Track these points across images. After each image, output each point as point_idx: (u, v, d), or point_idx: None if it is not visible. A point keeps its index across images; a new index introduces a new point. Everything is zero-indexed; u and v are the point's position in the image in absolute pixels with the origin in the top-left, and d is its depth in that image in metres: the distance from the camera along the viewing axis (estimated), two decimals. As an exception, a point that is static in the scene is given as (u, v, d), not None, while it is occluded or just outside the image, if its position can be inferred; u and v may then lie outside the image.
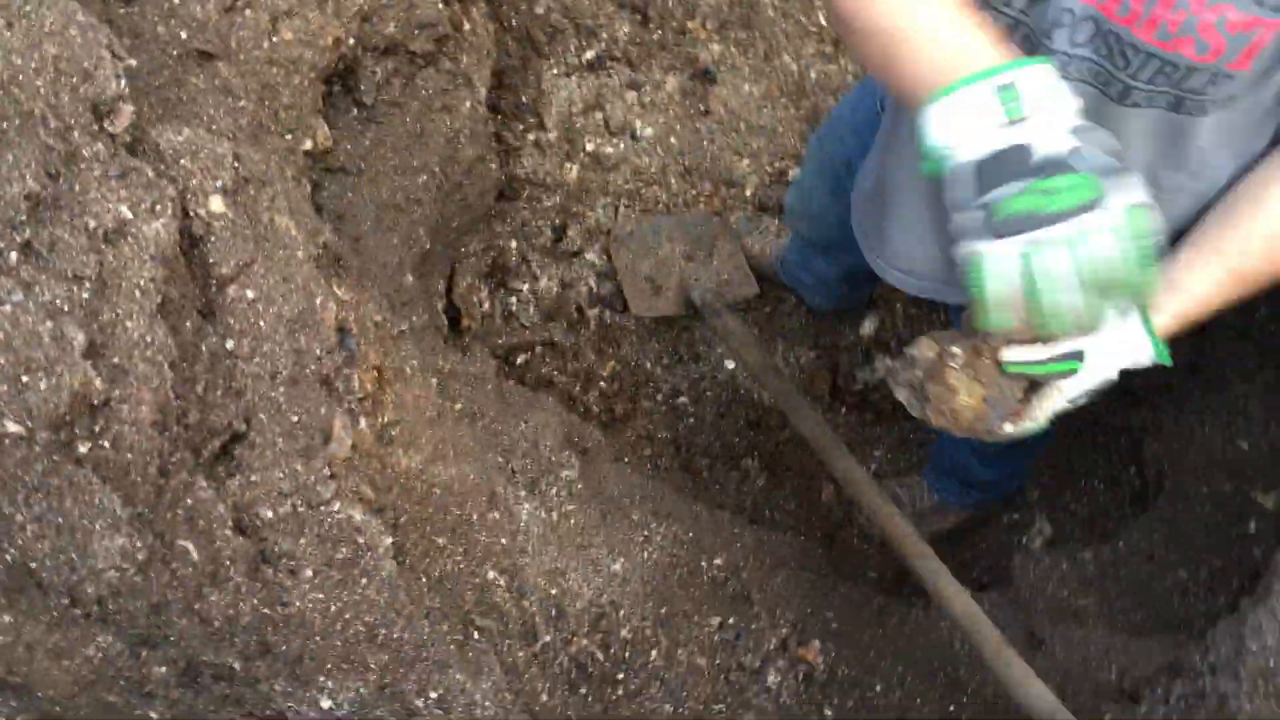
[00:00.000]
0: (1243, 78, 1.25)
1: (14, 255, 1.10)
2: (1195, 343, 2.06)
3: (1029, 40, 1.37)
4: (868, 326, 3.01)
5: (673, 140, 3.02)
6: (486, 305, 2.99)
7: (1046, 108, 1.14)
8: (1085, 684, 1.93)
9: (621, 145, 3.03)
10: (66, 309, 1.14)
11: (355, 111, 2.42)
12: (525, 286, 3.01)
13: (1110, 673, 1.94)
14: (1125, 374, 1.31)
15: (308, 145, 2.12)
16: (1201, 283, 1.31)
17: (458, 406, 2.10)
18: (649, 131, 3.04)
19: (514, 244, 3.06)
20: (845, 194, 2.14)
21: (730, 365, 2.93)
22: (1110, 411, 2.45)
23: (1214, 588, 2.11)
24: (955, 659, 2.07)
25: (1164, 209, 1.45)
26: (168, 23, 1.80)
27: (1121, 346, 1.27)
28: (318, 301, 1.58)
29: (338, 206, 2.32)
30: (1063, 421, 1.38)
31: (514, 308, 2.99)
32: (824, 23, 3.03)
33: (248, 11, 1.95)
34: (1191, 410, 2.30)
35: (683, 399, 2.77)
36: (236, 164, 1.52)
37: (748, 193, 3.05)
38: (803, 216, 2.57)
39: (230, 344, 1.46)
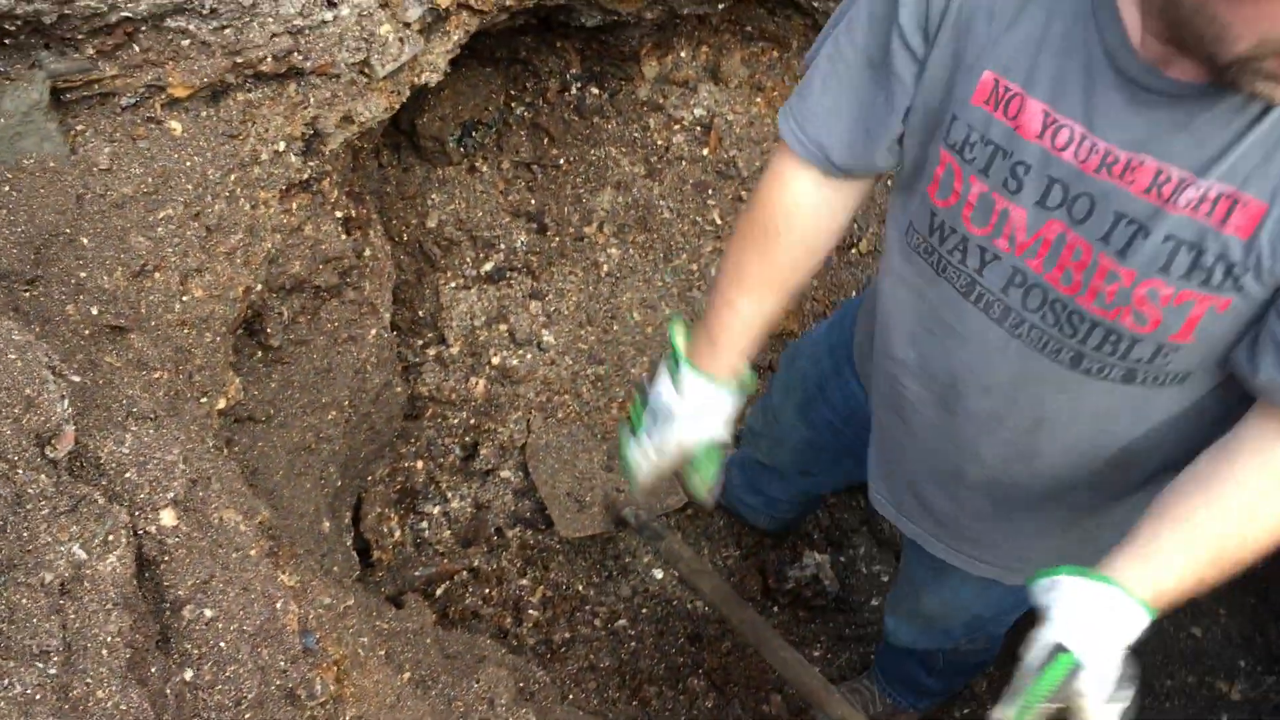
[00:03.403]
0: (1190, 350, 1.26)
1: (-23, 647, 0.94)
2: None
3: (985, 301, 1.38)
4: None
5: (581, 347, 2.96)
6: (397, 534, 2.82)
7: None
8: None
9: (529, 356, 2.95)
10: (39, 697, 0.97)
11: (260, 354, 2.28)
12: (436, 509, 2.86)
13: None
14: None
15: (221, 404, 1.98)
16: (1174, 556, 1.28)
17: (406, 675, 1.94)
18: (555, 341, 2.97)
19: (420, 464, 2.92)
20: (812, 415, 2.10)
21: (659, 574, 2.83)
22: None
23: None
24: None
25: (1127, 472, 1.46)
26: (75, 300, 1.66)
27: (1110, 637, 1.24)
28: (278, 606, 1.43)
29: (250, 459, 2.16)
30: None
31: (425, 533, 2.84)
32: (719, 220, 3.04)
33: (156, 274, 1.82)
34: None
35: (621, 621, 2.65)
36: (184, 466, 1.38)
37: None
38: (764, 437, 2.44)
39: (189, 674, 1.30)
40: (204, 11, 1.75)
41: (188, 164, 1.86)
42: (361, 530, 2.79)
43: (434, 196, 3.02)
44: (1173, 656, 2.18)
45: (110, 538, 1.19)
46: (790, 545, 2.94)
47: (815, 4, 2.96)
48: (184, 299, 1.87)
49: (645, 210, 3.04)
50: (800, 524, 2.92)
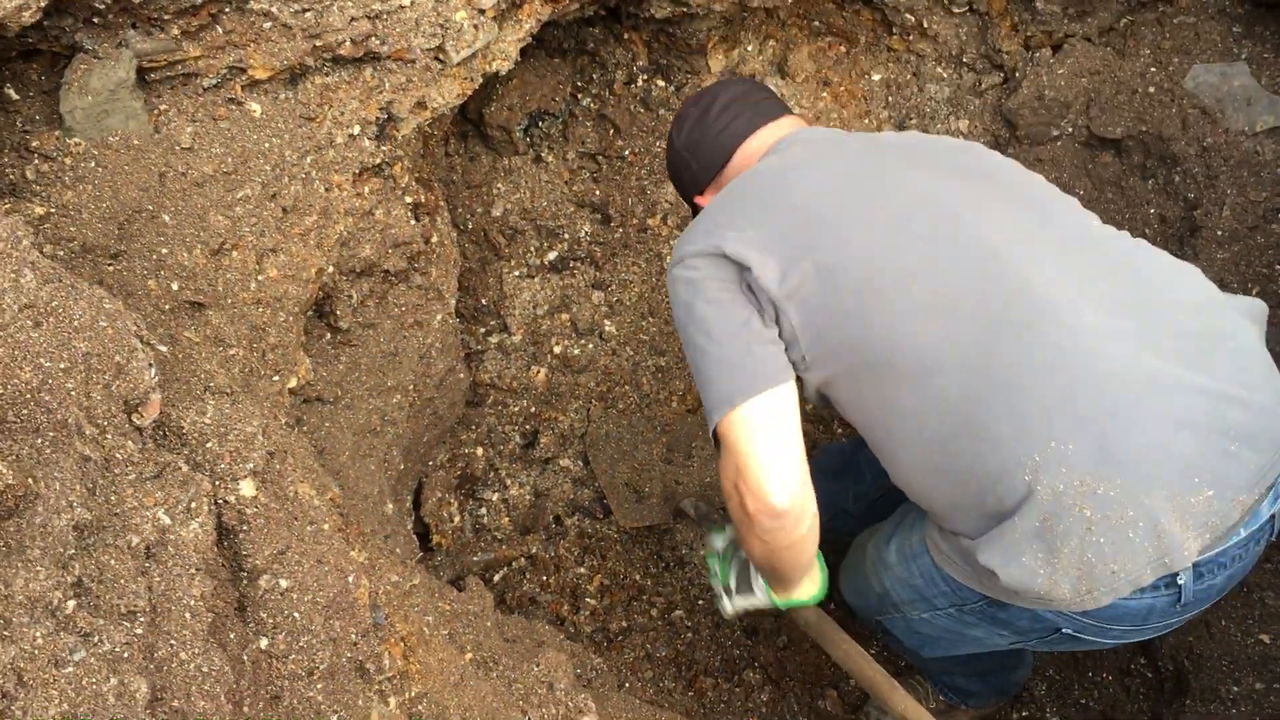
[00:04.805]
0: None
1: (70, 603, 0.96)
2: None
3: None
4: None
5: (642, 338, 2.97)
6: (457, 519, 2.85)
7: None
8: None
9: (591, 345, 2.96)
10: (126, 655, 0.99)
11: (329, 337, 2.31)
12: (495, 496, 2.88)
13: None
14: None
15: (292, 383, 2.00)
16: None
17: (468, 655, 1.95)
18: (617, 331, 2.98)
19: (480, 451, 2.94)
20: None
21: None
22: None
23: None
24: None
25: None
26: (157, 275, 1.69)
27: None
28: (349, 580, 1.45)
29: (317, 440, 2.18)
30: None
31: (485, 519, 2.86)
32: (783, 214, 3.03)
33: (234, 253, 1.85)
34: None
35: (678, 612, 2.65)
36: (263, 439, 1.40)
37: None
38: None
39: (265, 642, 1.32)
40: (287, -6, 1.77)
41: (266, 145, 1.89)
42: (422, 514, 2.82)
43: (500, 185, 3.04)
44: (1239, 663, 2.15)
45: (193, 505, 1.21)
46: (844, 545, 2.92)
47: (885, -1, 2.94)
48: (259, 278, 1.90)
49: (709, 203, 3.04)
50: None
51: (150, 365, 1.21)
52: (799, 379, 1.72)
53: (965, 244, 1.59)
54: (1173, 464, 1.48)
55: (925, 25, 2.94)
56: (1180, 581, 1.56)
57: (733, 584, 2.16)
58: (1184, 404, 1.49)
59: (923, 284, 1.57)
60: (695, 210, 2.10)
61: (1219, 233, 2.47)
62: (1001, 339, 1.53)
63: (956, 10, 2.89)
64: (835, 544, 2.70)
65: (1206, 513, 1.49)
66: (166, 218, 1.72)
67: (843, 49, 3.10)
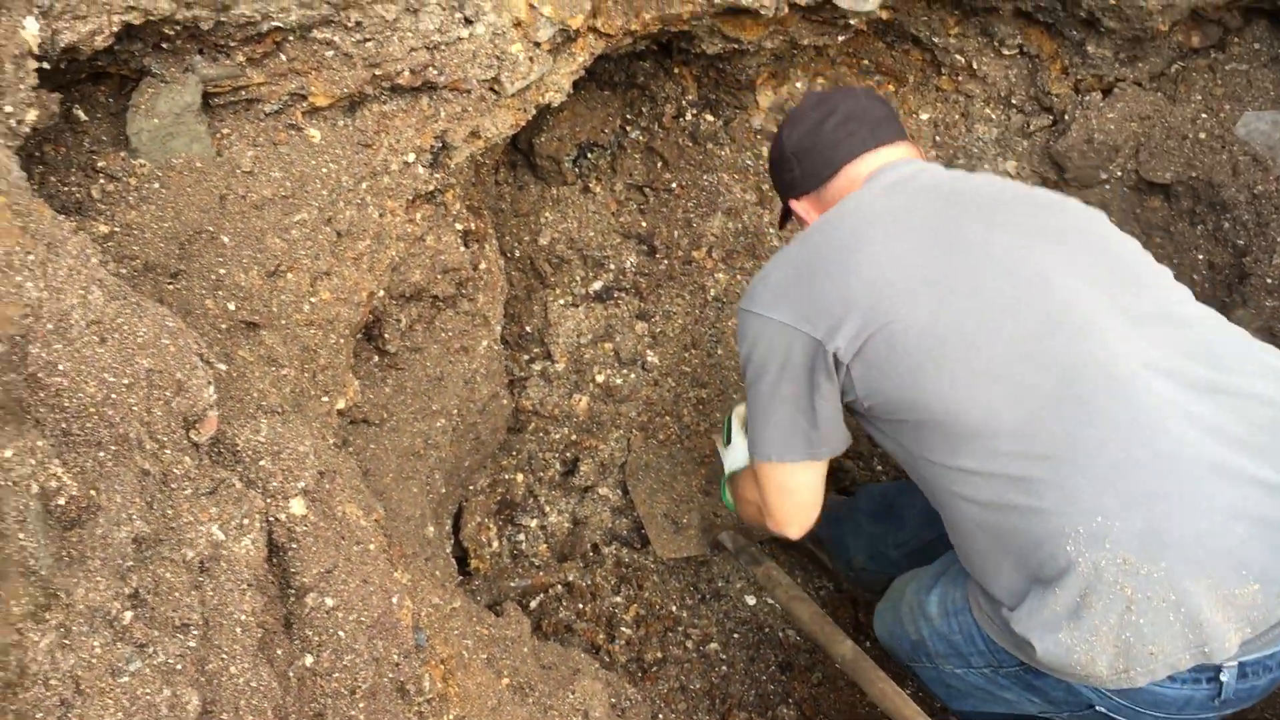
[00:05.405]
0: None
1: (128, 614, 0.98)
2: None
3: None
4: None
5: (685, 370, 2.98)
6: (495, 544, 2.86)
7: None
8: None
9: (633, 375, 2.97)
10: (179, 668, 1.01)
11: (376, 360, 2.34)
12: (534, 522, 2.90)
13: None
14: None
15: (340, 404, 2.03)
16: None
17: (505, 680, 1.96)
18: (660, 362, 3.00)
19: (520, 477, 2.96)
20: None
21: (751, 600, 2.83)
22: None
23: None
24: None
25: None
26: (215, 295, 1.72)
27: None
28: (393, 601, 1.47)
29: (362, 461, 2.21)
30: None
31: (523, 545, 2.87)
32: (828, 250, 3.04)
33: (289, 275, 1.89)
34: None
35: (713, 645, 2.65)
36: (314, 458, 1.42)
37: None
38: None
39: (309, 659, 1.34)
40: (349, 24, 1.81)
41: (323, 170, 1.93)
42: (460, 538, 2.84)
43: (547, 214, 3.07)
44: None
45: (245, 521, 1.24)
46: (883, 582, 2.90)
47: (935, 40, 2.95)
48: (312, 300, 1.93)
49: (754, 237, 3.06)
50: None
51: (209, 383, 1.24)
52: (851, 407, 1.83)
53: (1034, 312, 1.60)
54: (1221, 553, 1.47)
55: (975, 66, 2.95)
56: (1223, 678, 1.55)
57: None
58: (1241, 495, 1.48)
59: (986, 351, 1.58)
60: (786, 209, 2.15)
61: (1268, 280, 2.45)
62: (1061, 410, 1.53)
63: (1007, 52, 2.90)
64: (873, 584, 2.70)
65: (1250, 606, 1.48)
66: (225, 239, 1.76)
67: (891, 88, 3.12)
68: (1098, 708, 1.68)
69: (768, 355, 1.79)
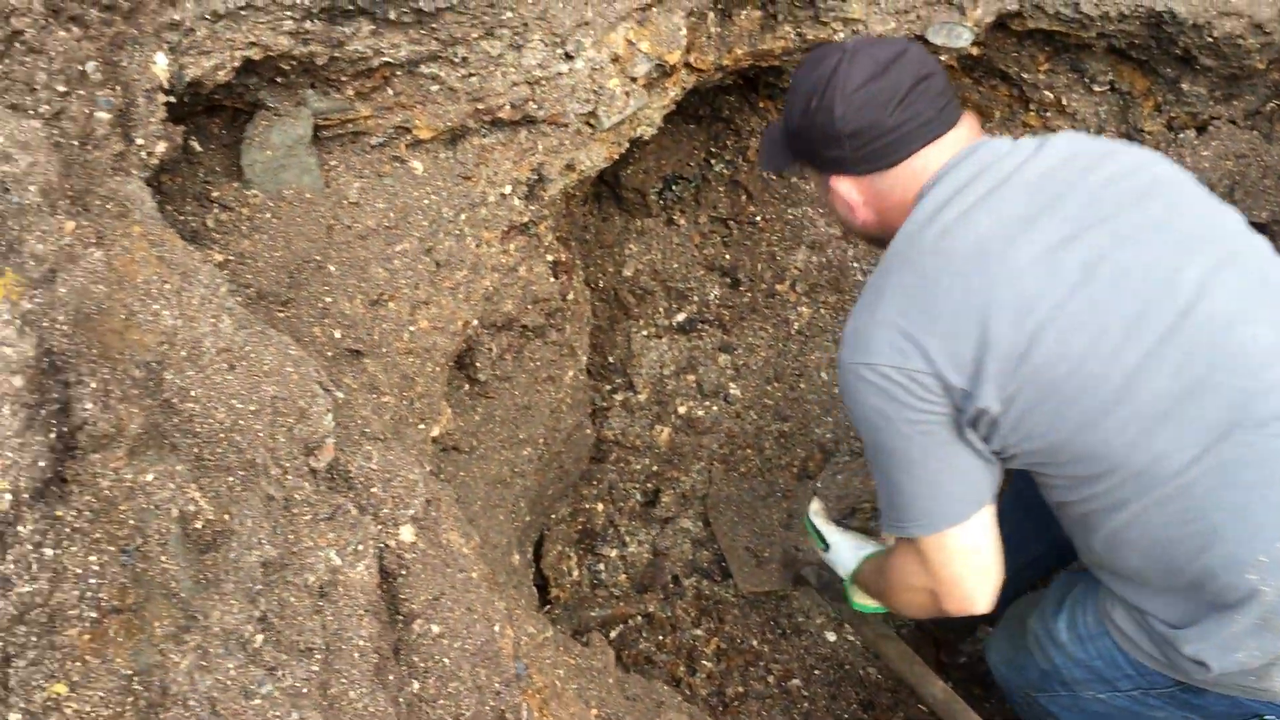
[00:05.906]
0: None
1: (258, 637, 1.01)
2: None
3: None
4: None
5: (767, 403, 2.98)
6: (575, 573, 2.88)
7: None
8: None
9: (715, 408, 2.98)
10: (305, 691, 1.03)
11: (467, 388, 2.37)
12: (614, 552, 2.91)
13: None
14: None
15: (435, 431, 2.06)
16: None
17: (594, 712, 1.97)
18: (742, 394, 3.00)
19: (601, 507, 2.97)
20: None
21: (831, 637, 2.81)
22: None
23: None
24: None
25: None
26: (322, 323, 1.76)
27: None
28: (495, 629, 1.48)
29: (453, 488, 2.24)
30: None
31: (602, 575, 2.88)
32: (912, 285, 3.03)
33: (391, 304, 1.92)
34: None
35: (795, 680, 2.63)
36: (422, 486, 1.44)
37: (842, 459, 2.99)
38: None
39: (416, 686, 1.35)
40: (455, 60, 1.85)
41: (425, 202, 1.96)
42: (541, 567, 2.86)
43: (632, 246, 3.09)
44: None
45: (360, 547, 1.26)
46: (964, 620, 2.87)
47: (1024, 75, 2.94)
48: (412, 329, 1.97)
49: (838, 271, 3.05)
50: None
51: (329, 410, 1.27)
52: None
53: (1189, 335, 1.47)
54: None
55: (1064, 102, 2.93)
56: None
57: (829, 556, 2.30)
58: None
59: (1147, 385, 1.47)
60: (817, 179, 1.85)
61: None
62: (1231, 436, 1.45)
63: (1097, 89, 2.88)
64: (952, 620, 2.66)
65: None
66: (332, 268, 1.79)
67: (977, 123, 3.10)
68: (1267, 717, 1.65)
69: (891, 413, 1.59)
